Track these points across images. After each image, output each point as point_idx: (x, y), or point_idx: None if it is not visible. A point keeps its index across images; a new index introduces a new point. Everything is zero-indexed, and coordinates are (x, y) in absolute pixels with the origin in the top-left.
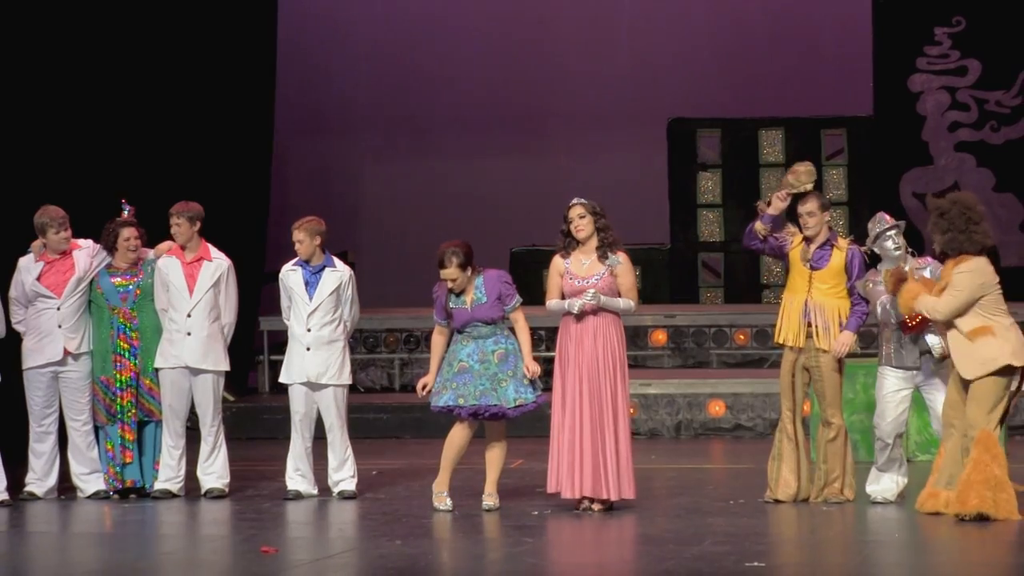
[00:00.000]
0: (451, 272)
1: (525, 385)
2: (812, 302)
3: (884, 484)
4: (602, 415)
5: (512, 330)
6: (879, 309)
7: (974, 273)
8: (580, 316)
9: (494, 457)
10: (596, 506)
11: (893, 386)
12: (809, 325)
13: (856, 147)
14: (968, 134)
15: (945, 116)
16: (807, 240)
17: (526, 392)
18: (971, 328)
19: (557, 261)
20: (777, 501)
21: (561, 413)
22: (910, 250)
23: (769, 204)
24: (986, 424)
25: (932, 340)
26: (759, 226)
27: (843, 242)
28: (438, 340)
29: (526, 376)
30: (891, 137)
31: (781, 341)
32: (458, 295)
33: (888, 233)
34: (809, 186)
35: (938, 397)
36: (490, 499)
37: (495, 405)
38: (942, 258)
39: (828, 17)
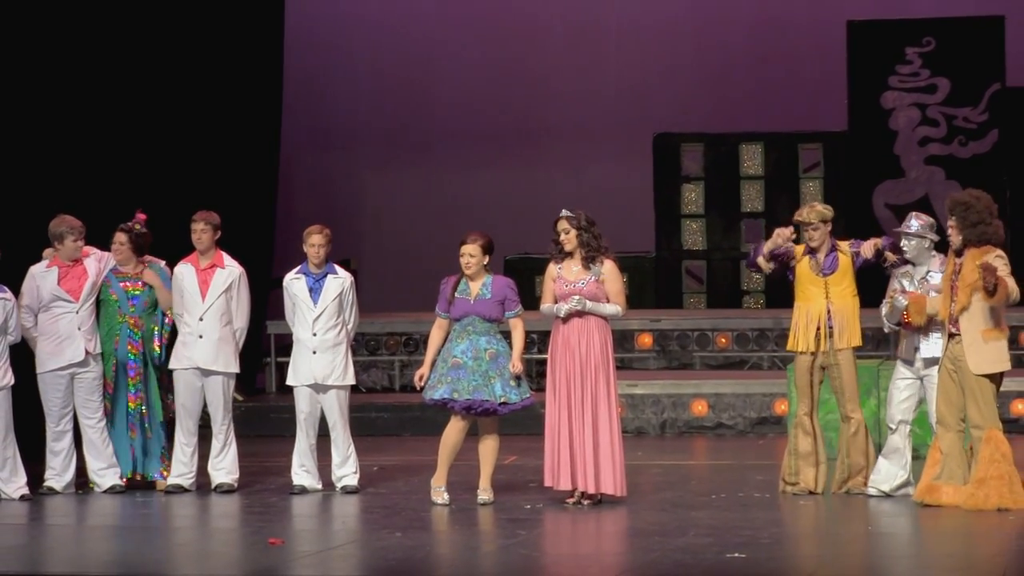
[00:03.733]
0: (472, 248)
1: (511, 386)
2: (833, 307)
3: (882, 475)
4: (583, 414)
5: (506, 335)
6: (884, 309)
7: (1006, 260)
8: (567, 319)
9: (487, 451)
10: (586, 500)
11: (899, 375)
12: (830, 327)
13: (831, 161)
14: (937, 148)
15: (916, 131)
16: (812, 252)
17: (511, 392)
18: (986, 328)
19: (551, 268)
20: (795, 493)
21: (554, 411)
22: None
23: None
24: (991, 423)
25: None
26: (762, 262)
27: (844, 245)
28: (437, 334)
29: (513, 376)
30: (865, 151)
31: (795, 348)
32: (467, 282)
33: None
34: (813, 220)
35: (934, 391)
36: (485, 493)
37: (487, 400)
38: (962, 250)
39: (805, 38)
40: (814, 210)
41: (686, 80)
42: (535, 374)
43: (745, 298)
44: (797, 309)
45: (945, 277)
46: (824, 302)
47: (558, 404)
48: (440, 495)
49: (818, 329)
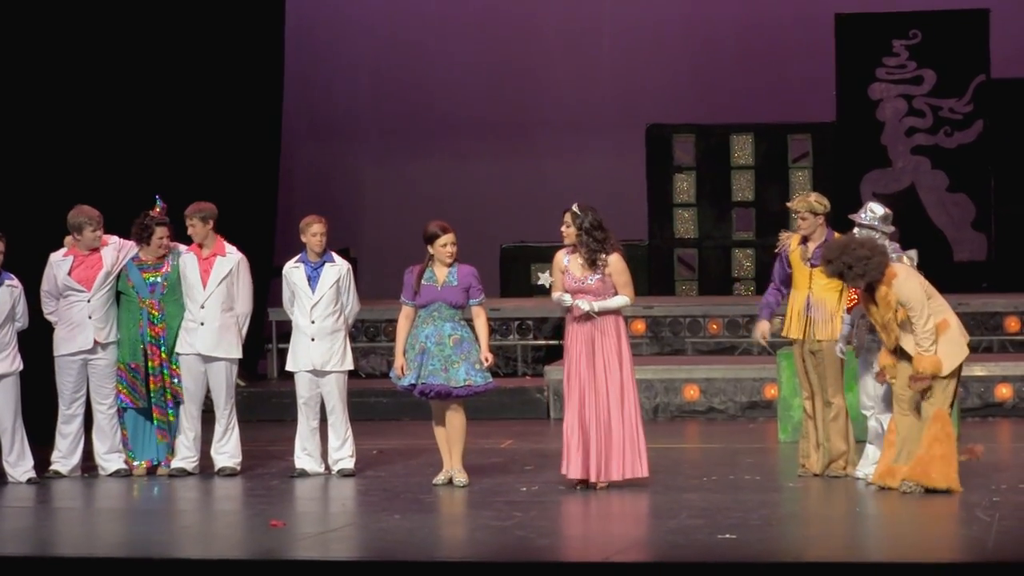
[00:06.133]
0: (453, 237)
1: (477, 370)
2: (813, 298)
3: (869, 460)
4: (604, 403)
5: (468, 322)
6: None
7: (909, 277)
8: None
9: (453, 431)
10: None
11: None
12: (810, 317)
13: (820, 151)
14: (924, 139)
15: (902, 122)
16: (804, 241)
17: (476, 376)
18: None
19: (559, 258)
20: (799, 475)
21: (580, 402)
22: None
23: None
24: (942, 404)
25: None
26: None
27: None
28: (404, 323)
29: (480, 363)
30: (852, 141)
31: (785, 334)
32: (433, 270)
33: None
34: (801, 210)
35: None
36: (459, 475)
37: (439, 384)
38: (869, 291)
39: (794, 31)
40: (805, 200)
41: (678, 72)
42: (531, 359)
43: (736, 285)
44: (791, 296)
45: (860, 297)
46: (807, 292)
47: (578, 396)
48: (438, 477)
49: (802, 318)
